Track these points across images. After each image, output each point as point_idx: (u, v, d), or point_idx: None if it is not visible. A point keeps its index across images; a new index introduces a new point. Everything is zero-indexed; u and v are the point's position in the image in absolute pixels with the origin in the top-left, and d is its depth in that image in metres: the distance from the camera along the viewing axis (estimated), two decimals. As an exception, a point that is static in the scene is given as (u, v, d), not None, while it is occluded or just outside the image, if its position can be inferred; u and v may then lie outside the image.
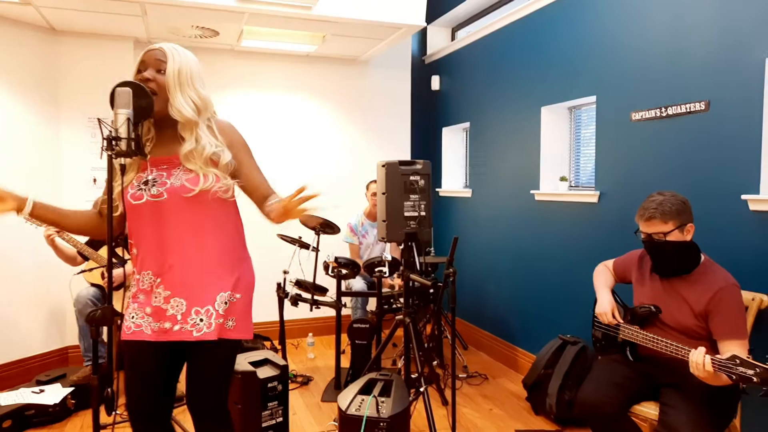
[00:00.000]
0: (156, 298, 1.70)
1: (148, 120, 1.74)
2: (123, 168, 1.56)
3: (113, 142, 1.48)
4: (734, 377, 1.79)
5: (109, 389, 1.57)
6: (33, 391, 3.20)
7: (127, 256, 1.93)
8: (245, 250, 1.87)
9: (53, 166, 3.99)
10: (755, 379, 1.74)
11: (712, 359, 1.87)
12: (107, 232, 1.54)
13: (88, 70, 4.06)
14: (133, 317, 1.71)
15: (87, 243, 3.43)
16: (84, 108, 4.04)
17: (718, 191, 2.55)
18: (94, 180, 4.08)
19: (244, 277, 1.80)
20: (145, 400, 1.74)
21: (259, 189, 1.83)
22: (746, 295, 2.27)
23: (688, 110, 2.69)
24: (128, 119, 1.50)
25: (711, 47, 2.58)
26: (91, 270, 3.43)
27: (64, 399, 3.16)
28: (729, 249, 2.48)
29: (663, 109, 2.83)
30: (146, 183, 1.69)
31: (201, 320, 1.68)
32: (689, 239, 2.17)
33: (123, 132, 1.49)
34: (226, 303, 1.71)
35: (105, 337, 3.38)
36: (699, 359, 1.89)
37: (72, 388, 3.25)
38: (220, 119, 1.82)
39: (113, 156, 1.50)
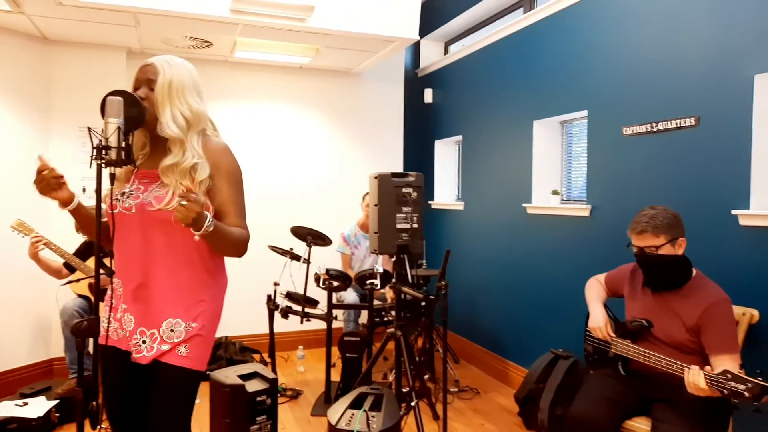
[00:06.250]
0: (120, 308, 1.71)
1: (144, 134, 1.73)
2: (113, 177, 1.54)
3: (103, 151, 1.47)
4: (726, 392, 1.79)
5: (94, 402, 1.54)
6: (16, 404, 3.13)
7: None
8: (213, 278, 1.75)
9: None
10: (746, 394, 1.74)
11: (704, 375, 1.86)
12: (95, 241, 1.53)
13: (79, 79, 4.04)
14: (105, 322, 1.71)
15: (75, 253, 3.39)
16: (75, 117, 4.02)
17: (708, 206, 2.57)
18: (84, 189, 4.04)
19: (207, 308, 1.72)
20: (115, 410, 1.73)
21: (226, 223, 1.71)
22: (737, 310, 2.28)
23: (679, 125, 2.71)
24: (119, 128, 1.48)
25: (702, 64, 2.61)
26: (77, 281, 3.39)
27: (48, 412, 3.10)
28: (720, 263, 2.49)
29: (654, 124, 2.85)
30: (123, 194, 1.69)
31: (144, 342, 1.66)
32: (681, 253, 2.18)
33: (113, 141, 1.48)
34: (172, 330, 1.66)
35: (91, 348, 3.33)
36: (695, 379, 1.88)
37: (56, 401, 3.19)
38: (215, 139, 1.75)
39: (103, 165, 1.49)
